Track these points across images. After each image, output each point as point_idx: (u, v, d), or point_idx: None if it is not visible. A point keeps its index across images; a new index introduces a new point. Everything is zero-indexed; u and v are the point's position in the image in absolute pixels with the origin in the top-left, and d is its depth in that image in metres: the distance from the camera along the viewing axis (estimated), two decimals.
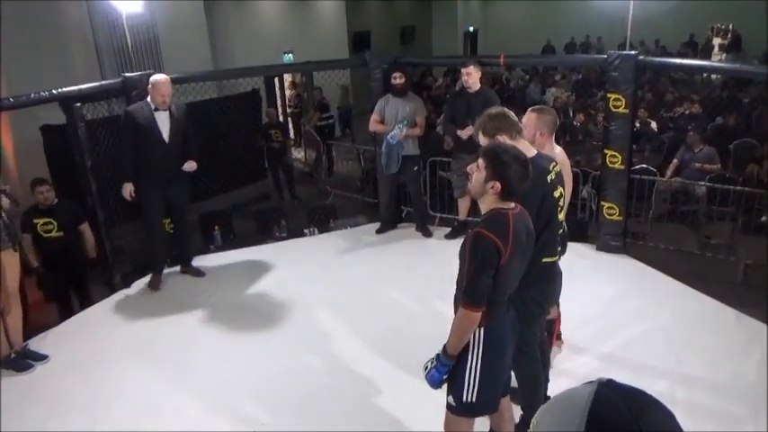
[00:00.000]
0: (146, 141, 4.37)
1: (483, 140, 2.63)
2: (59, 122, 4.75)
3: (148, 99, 4.43)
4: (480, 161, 2.22)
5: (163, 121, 4.41)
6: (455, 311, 2.33)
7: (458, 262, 2.26)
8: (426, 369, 2.35)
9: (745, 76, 8.87)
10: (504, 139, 2.58)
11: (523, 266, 2.32)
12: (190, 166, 4.56)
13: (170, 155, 4.45)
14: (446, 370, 2.29)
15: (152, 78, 4.43)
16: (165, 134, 4.42)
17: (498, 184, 2.17)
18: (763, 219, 5.93)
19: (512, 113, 2.68)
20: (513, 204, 2.24)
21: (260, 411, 3.22)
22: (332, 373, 3.56)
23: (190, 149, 4.59)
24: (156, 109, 4.38)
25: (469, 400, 2.28)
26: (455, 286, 2.30)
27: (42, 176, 4.73)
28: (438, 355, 2.32)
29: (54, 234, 4.61)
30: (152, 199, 4.51)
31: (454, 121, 5.01)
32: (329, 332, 3.98)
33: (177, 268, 4.97)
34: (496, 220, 2.18)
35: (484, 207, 2.27)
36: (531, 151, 2.63)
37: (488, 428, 2.74)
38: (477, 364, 2.25)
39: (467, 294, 2.17)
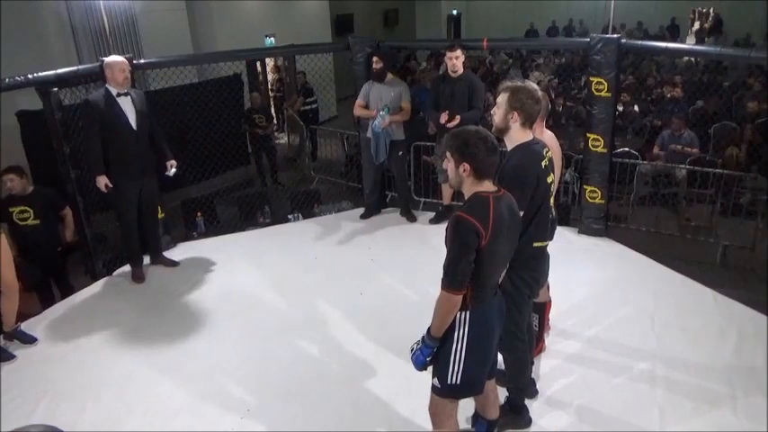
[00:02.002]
0: (114, 131, 4.21)
1: (501, 100, 2.63)
2: (36, 108, 4.65)
3: (107, 86, 4.24)
4: (447, 153, 2.26)
5: (127, 108, 4.25)
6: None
7: (443, 246, 2.27)
8: (412, 351, 2.38)
9: (725, 60, 8.96)
10: (515, 117, 2.59)
11: (511, 249, 2.34)
12: (171, 165, 4.48)
13: (141, 143, 4.31)
14: (430, 352, 2.32)
15: (106, 60, 4.26)
16: (133, 121, 4.26)
17: (467, 165, 2.20)
18: (742, 201, 6.04)
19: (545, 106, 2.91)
20: (495, 187, 2.25)
21: (247, 397, 3.23)
22: (318, 357, 3.57)
23: (158, 138, 4.46)
24: (118, 95, 4.22)
25: (454, 381, 2.31)
26: (443, 270, 2.31)
27: (11, 165, 4.59)
28: (423, 337, 2.34)
29: (30, 222, 4.54)
30: (127, 191, 4.37)
31: (437, 105, 4.99)
32: (315, 317, 3.98)
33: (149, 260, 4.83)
34: (476, 203, 2.20)
35: (466, 194, 2.29)
36: (528, 137, 2.64)
37: (473, 410, 2.78)
38: (462, 346, 2.27)
39: (446, 277, 2.19)
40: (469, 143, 2.19)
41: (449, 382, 2.32)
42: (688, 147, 6.88)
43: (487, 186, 2.24)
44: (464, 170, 2.21)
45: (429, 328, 2.31)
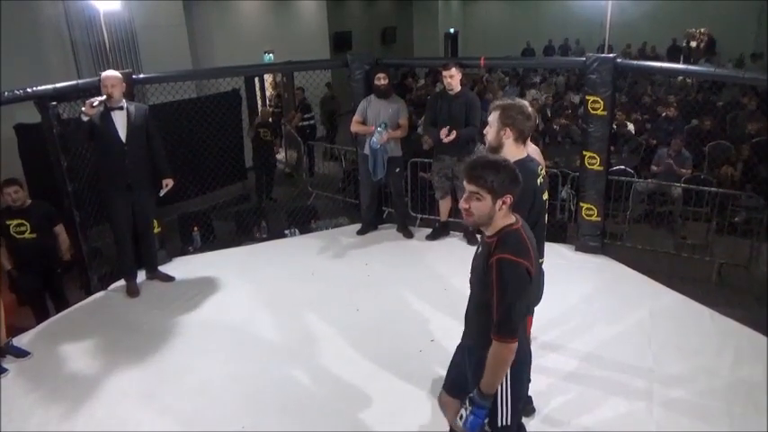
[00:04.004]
0: (102, 143, 4.24)
1: (492, 118, 2.65)
2: (34, 121, 4.65)
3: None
4: (475, 188, 2.05)
5: (119, 121, 4.25)
6: (467, 329, 2.30)
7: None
8: (462, 418, 2.16)
9: (720, 80, 9.07)
10: (507, 134, 2.61)
11: None
12: (166, 184, 4.46)
13: (128, 156, 4.27)
14: (485, 412, 2.15)
15: None
16: (122, 134, 4.25)
17: (510, 197, 2.07)
18: (737, 219, 6.07)
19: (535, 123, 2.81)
20: (514, 218, 2.15)
21: (242, 414, 3.19)
22: (314, 373, 3.54)
23: (156, 154, 4.44)
24: (112, 108, 4.23)
25: (505, 423, 2.23)
26: (498, 321, 2.08)
27: (12, 177, 4.60)
28: (471, 398, 2.16)
29: (27, 236, 4.52)
30: (116, 202, 4.35)
31: (435, 123, 5.01)
32: (311, 334, 3.96)
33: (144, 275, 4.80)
34: (515, 241, 2.08)
35: (493, 227, 2.11)
36: (522, 154, 2.66)
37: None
38: (507, 386, 2.19)
39: (504, 327, 2.04)
40: (508, 169, 2.06)
41: (500, 424, 2.22)
42: (681, 167, 6.92)
43: (512, 216, 2.14)
44: (503, 203, 2.06)
45: (479, 387, 2.13)
